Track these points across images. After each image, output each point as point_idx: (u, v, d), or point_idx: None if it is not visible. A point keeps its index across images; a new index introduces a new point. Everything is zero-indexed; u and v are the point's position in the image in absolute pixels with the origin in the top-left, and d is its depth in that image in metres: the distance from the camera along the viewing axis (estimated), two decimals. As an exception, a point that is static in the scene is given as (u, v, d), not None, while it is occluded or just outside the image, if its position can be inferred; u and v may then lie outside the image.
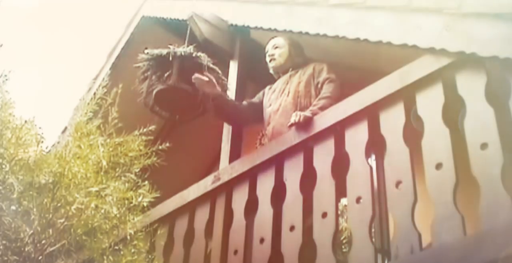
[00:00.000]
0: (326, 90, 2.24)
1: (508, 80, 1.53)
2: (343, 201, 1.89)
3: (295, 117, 2.06)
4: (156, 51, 2.40)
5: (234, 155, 2.38)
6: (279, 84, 2.45)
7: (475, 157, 1.49)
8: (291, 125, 2.07)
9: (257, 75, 2.64)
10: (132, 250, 1.72)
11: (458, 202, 1.49)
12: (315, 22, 2.16)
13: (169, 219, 2.35)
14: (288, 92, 2.34)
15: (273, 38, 2.52)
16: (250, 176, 2.15)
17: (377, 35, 1.89)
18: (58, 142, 2.13)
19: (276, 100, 2.38)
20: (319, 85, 2.29)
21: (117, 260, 1.69)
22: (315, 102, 2.21)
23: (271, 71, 2.53)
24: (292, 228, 1.85)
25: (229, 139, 2.44)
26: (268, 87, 2.51)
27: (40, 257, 1.63)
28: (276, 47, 2.48)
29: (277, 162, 2.08)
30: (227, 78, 2.59)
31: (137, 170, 1.84)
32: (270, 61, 2.48)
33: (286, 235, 1.86)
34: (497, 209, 1.38)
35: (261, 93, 2.50)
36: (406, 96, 1.77)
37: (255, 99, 2.49)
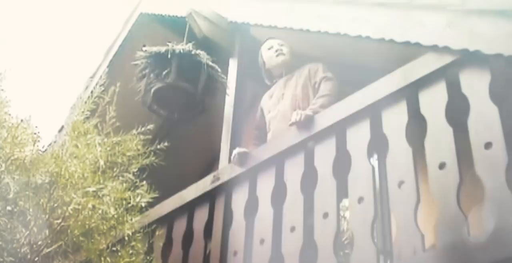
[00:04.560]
0: (324, 88, 2.23)
1: (513, 78, 1.51)
2: (345, 201, 1.87)
3: (296, 116, 2.04)
4: (155, 49, 2.37)
5: (234, 155, 2.35)
6: (275, 89, 2.44)
7: (479, 156, 1.47)
8: (292, 124, 2.05)
9: (257, 73, 2.61)
10: (130, 251, 1.70)
11: (461, 203, 1.46)
12: (316, 19, 2.14)
13: (168, 219, 2.34)
14: (286, 97, 2.32)
15: (269, 39, 2.49)
16: (250, 176, 2.13)
17: (379, 33, 1.87)
18: (55, 142, 2.11)
19: (274, 106, 2.37)
20: (316, 85, 2.28)
21: (115, 262, 1.67)
22: (314, 101, 2.20)
23: (269, 69, 2.48)
24: (292, 229, 1.83)
25: (229, 139, 2.42)
26: (263, 99, 2.49)
27: (36, 259, 1.61)
28: (282, 45, 2.48)
29: (277, 162, 2.05)
30: (227, 76, 2.56)
31: (135, 170, 1.81)
32: (278, 55, 2.45)
33: (286, 236, 1.84)
34: (501, 209, 1.36)
35: (259, 109, 2.48)
36: (409, 94, 1.75)
37: (259, 121, 2.45)
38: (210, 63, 2.39)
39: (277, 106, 2.35)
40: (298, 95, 2.29)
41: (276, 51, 2.45)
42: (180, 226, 2.28)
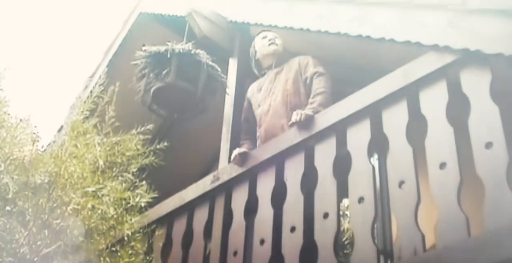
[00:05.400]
0: (318, 85, 2.21)
1: (513, 78, 1.51)
2: (345, 201, 1.86)
3: (296, 116, 2.03)
4: (154, 48, 2.36)
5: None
6: (265, 82, 2.42)
7: (479, 156, 1.46)
8: (292, 124, 2.05)
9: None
10: (130, 252, 1.69)
11: (462, 203, 1.46)
12: (316, 18, 2.13)
13: (167, 219, 2.33)
14: (276, 91, 2.30)
15: (264, 30, 2.49)
16: (250, 176, 2.12)
17: (379, 32, 1.86)
18: (54, 141, 2.10)
19: (264, 101, 2.34)
20: (308, 80, 2.25)
21: (114, 262, 1.66)
22: (311, 100, 2.18)
23: (259, 59, 2.46)
24: (293, 229, 1.83)
25: (229, 138, 2.41)
26: (250, 90, 2.47)
27: (35, 259, 1.60)
28: (276, 37, 2.47)
29: (277, 162, 2.05)
30: (227, 76, 2.56)
31: (134, 170, 1.81)
32: (270, 44, 2.44)
33: (286, 236, 1.84)
34: (502, 209, 1.36)
35: (246, 100, 2.46)
36: (409, 94, 1.75)
37: (247, 113, 2.43)
38: (210, 63, 2.38)
39: (267, 100, 2.32)
40: (289, 90, 2.26)
41: (270, 40, 2.44)
42: (180, 226, 2.27)
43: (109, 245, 1.70)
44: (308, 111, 2.07)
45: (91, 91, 1.95)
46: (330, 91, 2.18)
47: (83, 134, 1.76)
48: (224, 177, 2.20)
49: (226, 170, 2.24)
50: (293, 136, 2.04)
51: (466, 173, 1.49)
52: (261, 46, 2.48)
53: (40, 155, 1.70)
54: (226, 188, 2.20)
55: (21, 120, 1.72)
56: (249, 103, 2.45)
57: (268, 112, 2.29)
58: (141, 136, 1.85)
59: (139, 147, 1.83)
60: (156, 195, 1.80)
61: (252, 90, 2.47)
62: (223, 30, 2.73)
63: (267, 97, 2.34)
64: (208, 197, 2.24)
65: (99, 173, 1.70)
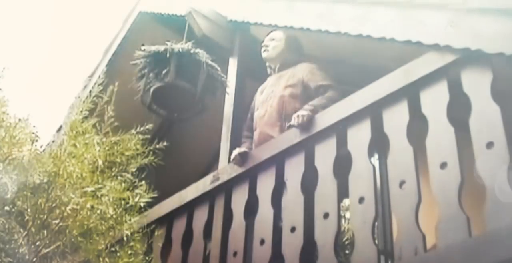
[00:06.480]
0: (330, 94, 2.19)
1: (514, 77, 1.50)
2: (345, 201, 1.86)
3: (296, 119, 2.02)
4: (154, 48, 2.35)
5: (234, 154, 2.33)
6: (267, 85, 2.42)
7: (480, 156, 1.46)
8: (292, 126, 2.04)
9: (257, 72, 2.60)
10: (129, 252, 1.69)
11: (463, 202, 1.46)
12: (316, 18, 2.13)
13: (167, 220, 2.33)
14: (274, 96, 2.29)
15: (273, 31, 2.49)
16: (250, 176, 2.12)
17: (380, 31, 1.86)
18: (53, 141, 2.10)
19: (262, 104, 2.34)
20: (321, 89, 2.22)
21: (114, 262, 1.65)
22: (317, 100, 2.17)
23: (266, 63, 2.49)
24: (293, 229, 1.82)
25: (229, 138, 2.41)
26: (258, 90, 2.47)
27: (34, 259, 1.60)
28: (272, 40, 2.46)
29: (277, 162, 2.04)
30: (226, 75, 2.55)
31: (133, 170, 1.80)
32: (263, 51, 2.46)
33: (286, 236, 1.83)
34: (503, 209, 1.35)
35: (253, 102, 2.46)
36: (410, 93, 1.74)
37: (249, 121, 2.43)
38: (210, 62, 2.37)
39: (265, 104, 2.32)
40: (286, 96, 2.26)
41: (263, 46, 2.46)
42: (179, 226, 2.27)
43: (108, 245, 1.69)
44: (308, 106, 2.05)
45: (90, 91, 1.95)
46: (335, 100, 2.16)
47: (82, 134, 1.76)
48: (224, 177, 2.20)
49: (226, 170, 2.23)
50: (293, 136, 2.03)
51: (467, 173, 1.49)
52: (262, 50, 2.49)
53: (39, 155, 1.70)
54: (226, 188, 2.19)
55: (20, 119, 1.71)
56: (254, 104, 2.45)
57: (263, 117, 2.29)
58: (141, 136, 1.84)
59: (138, 147, 1.82)
60: (155, 195, 1.79)
61: (257, 94, 2.47)
62: (223, 30, 2.72)
63: (265, 101, 2.34)
64: (208, 197, 2.23)
65: (98, 173, 1.69)
